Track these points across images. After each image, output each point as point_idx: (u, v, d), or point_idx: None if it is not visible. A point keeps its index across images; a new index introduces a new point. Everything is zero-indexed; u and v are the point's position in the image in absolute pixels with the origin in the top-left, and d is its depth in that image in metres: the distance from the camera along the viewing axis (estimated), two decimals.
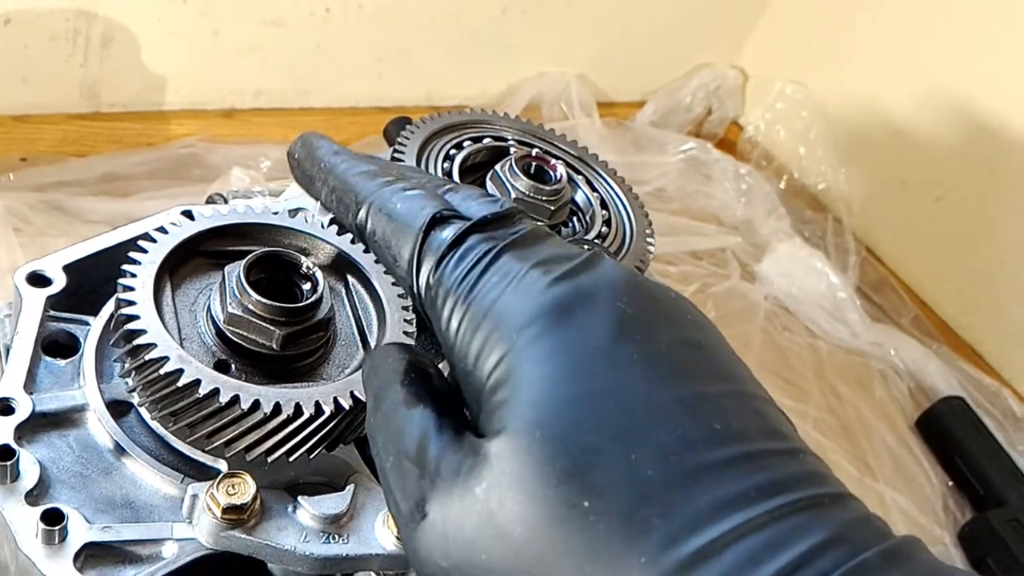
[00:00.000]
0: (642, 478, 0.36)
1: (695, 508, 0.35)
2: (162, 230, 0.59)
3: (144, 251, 0.57)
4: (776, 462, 0.37)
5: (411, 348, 0.48)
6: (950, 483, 1.58)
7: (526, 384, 0.38)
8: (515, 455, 0.37)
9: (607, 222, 0.79)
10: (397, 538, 0.55)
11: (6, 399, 0.55)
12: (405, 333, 0.59)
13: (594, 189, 0.81)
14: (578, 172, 0.82)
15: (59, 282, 0.62)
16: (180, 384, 0.52)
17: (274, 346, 0.56)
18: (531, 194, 0.74)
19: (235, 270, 0.57)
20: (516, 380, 0.39)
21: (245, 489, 0.53)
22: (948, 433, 1.60)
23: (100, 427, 0.57)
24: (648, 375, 0.38)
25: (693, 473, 0.36)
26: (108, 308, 0.62)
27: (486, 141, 0.80)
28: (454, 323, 0.43)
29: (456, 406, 0.44)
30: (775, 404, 0.40)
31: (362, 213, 0.48)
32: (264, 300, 0.55)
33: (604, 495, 0.36)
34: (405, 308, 0.61)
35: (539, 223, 0.46)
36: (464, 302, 0.42)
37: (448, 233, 0.45)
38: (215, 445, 0.54)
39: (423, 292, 0.45)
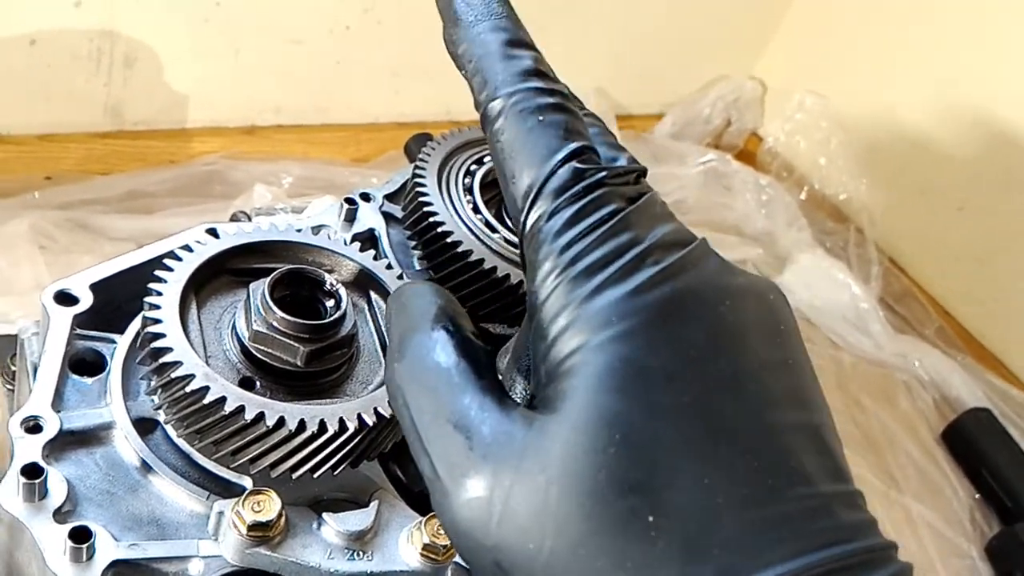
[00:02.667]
0: (712, 506, 0.35)
1: (757, 547, 0.34)
2: (187, 248, 0.60)
3: (170, 269, 0.58)
4: (839, 509, 0.36)
5: (445, 292, 0.43)
6: (977, 496, 1.56)
7: (611, 378, 0.36)
8: (587, 450, 0.35)
9: None
10: (422, 554, 0.55)
11: (34, 417, 0.56)
12: None
13: None
14: None
15: (86, 300, 0.62)
16: (206, 402, 0.53)
17: (298, 363, 0.57)
18: None
19: (260, 288, 0.57)
20: (600, 370, 0.36)
21: (270, 506, 0.53)
22: (975, 445, 1.58)
23: (127, 445, 0.57)
24: (738, 395, 0.36)
25: (761, 510, 0.35)
26: (134, 326, 0.62)
27: None
28: (547, 287, 0.38)
29: (490, 362, 0.41)
30: (835, 429, 0.39)
31: (496, 105, 0.41)
32: (288, 317, 0.56)
33: (671, 514, 0.34)
34: None
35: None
36: (563, 273, 0.38)
37: (575, 173, 0.39)
38: (240, 462, 0.55)
39: (527, 230, 0.39)
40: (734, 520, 0.34)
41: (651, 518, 0.34)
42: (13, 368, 0.75)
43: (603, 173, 0.39)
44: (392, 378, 0.41)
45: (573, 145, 0.39)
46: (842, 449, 0.39)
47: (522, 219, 0.40)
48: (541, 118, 0.40)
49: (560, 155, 0.39)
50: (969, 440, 1.59)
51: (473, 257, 0.70)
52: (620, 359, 0.36)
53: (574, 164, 0.39)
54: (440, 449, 0.38)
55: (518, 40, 0.43)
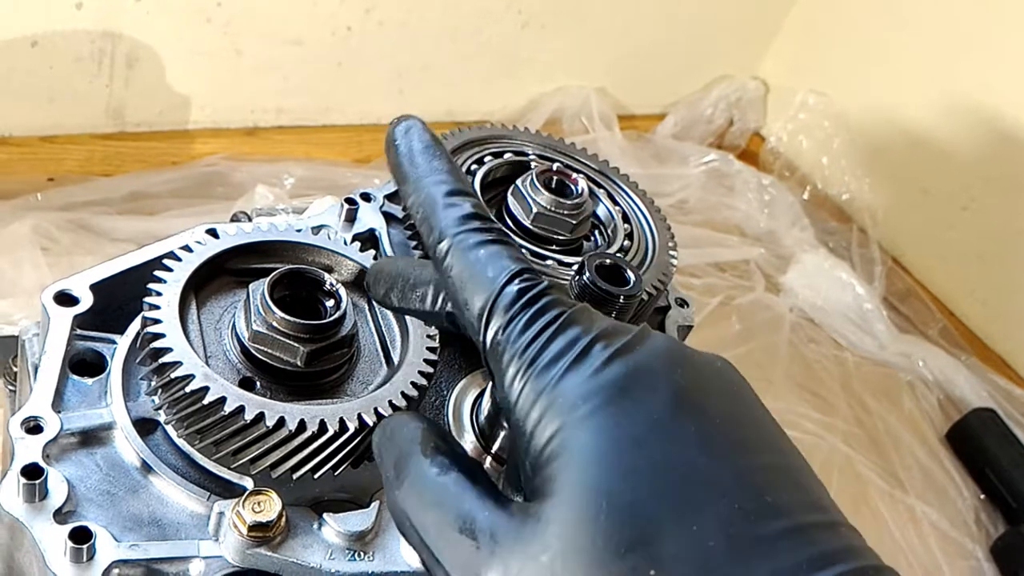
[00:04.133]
0: (704, 549, 0.37)
1: None
2: (187, 248, 0.60)
3: (170, 270, 0.58)
4: (821, 535, 0.39)
5: (425, 416, 0.48)
6: (982, 496, 1.55)
7: (587, 454, 0.39)
8: (579, 522, 0.38)
9: (629, 235, 0.78)
10: None
11: (35, 418, 0.56)
12: (428, 349, 0.59)
13: (616, 203, 0.81)
14: (599, 186, 0.82)
15: (86, 301, 0.62)
16: (206, 402, 0.52)
17: (298, 363, 0.57)
18: (552, 208, 0.73)
19: (259, 288, 0.57)
20: (576, 449, 0.40)
21: (271, 506, 0.53)
22: (979, 445, 1.58)
23: (127, 445, 0.57)
24: (705, 448, 0.40)
25: (750, 545, 0.37)
26: (134, 326, 0.62)
27: (507, 156, 0.80)
28: (516, 387, 0.43)
29: (481, 469, 0.45)
30: (811, 470, 0.42)
31: (443, 246, 0.47)
32: (288, 317, 0.56)
33: (669, 565, 0.37)
34: None
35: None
36: (528, 371, 0.43)
37: (519, 290, 0.45)
38: (241, 462, 0.55)
39: (488, 345, 0.45)
40: (728, 559, 0.37)
41: (652, 572, 0.37)
42: (15, 369, 0.75)
43: (544, 284, 0.45)
44: (395, 504, 0.44)
45: (514, 267, 0.46)
46: (821, 487, 0.42)
47: (480, 338, 0.45)
48: (483, 252, 0.46)
49: (504, 277, 0.45)
50: (974, 440, 1.58)
51: None
52: (592, 434, 0.40)
53: (517, 283, 0.45)
54: (451, 556, 0.41)
55: (457, 191, 0.49)
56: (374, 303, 0.63)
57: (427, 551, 0.42)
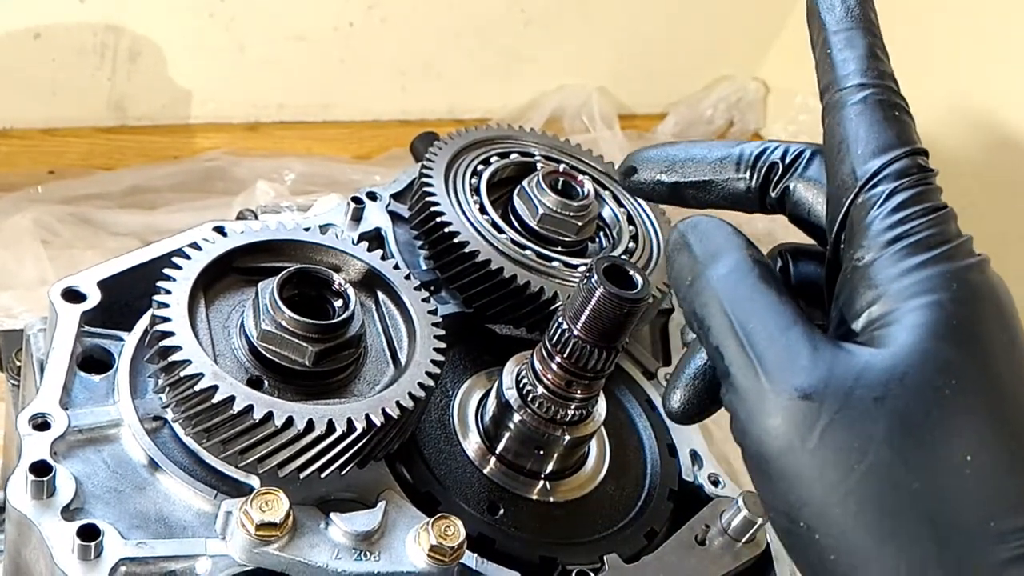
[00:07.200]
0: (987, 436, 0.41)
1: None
2: (195, 246, 0.60)
3: (178, 267, 0.58)
4: None
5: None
6: None
7: (933, 333, 0.42)
8: (918, 384, 0.41)
9: (634, 237, 0.79)
10: (429, 555, 0.55)
11: (43, 415, 0.56)
12: (436, 350, 0.60)
13: (621, 204, 0.81)
14: (605, 188, 0.82)
15: (93, 298, 0.62)
16: (214, 401, 0.53)
17: (306, 363, 0.57)
18: (558, 209, 0.74)
19: (268, 287, 0.57)
20: (929, 323, 0.42)
21: (278, 505, 0.53)
22: None
23: (134, 443, 0.57)
24: (1012, 377, 0.43)
25: (1012, 478, 0.40)
26: (142, 323, 0.62)
27: (513, 157, 0.81)
28: (877, 245, 0.45)
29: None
30: None
31: (866, 82, 0.50)
32: (297, 317, 0.56)
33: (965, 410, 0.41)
34: (435, 325, 0.61)
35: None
36: (899, 240, 0.44)
37: (920, 166, 0.47)
38: (248, 461, 0.55)
39: (861, 195, 0.47)
40: (990, 472, 0.40)
41: (968, 457, 0.40)
42: (18, 363, 0.75)
43: (933, 173, 0.47)
44: (706, 285, 0.45)
45: (918, 146, 0.48)
46: None
47: (859, 183, 0.47)
48: (896, 114, 0.48)
49: (907, 147, 0.47)
50: None
51: (480, 257, 0.70)
52: (943, 319, 0.42)
53: (917, 159, 0.47)
54: (776, 356, 0.42)
55: (883, 48, 0.51)
56: (380, 303, 0.63)
57: (734, 337, 0.43)
